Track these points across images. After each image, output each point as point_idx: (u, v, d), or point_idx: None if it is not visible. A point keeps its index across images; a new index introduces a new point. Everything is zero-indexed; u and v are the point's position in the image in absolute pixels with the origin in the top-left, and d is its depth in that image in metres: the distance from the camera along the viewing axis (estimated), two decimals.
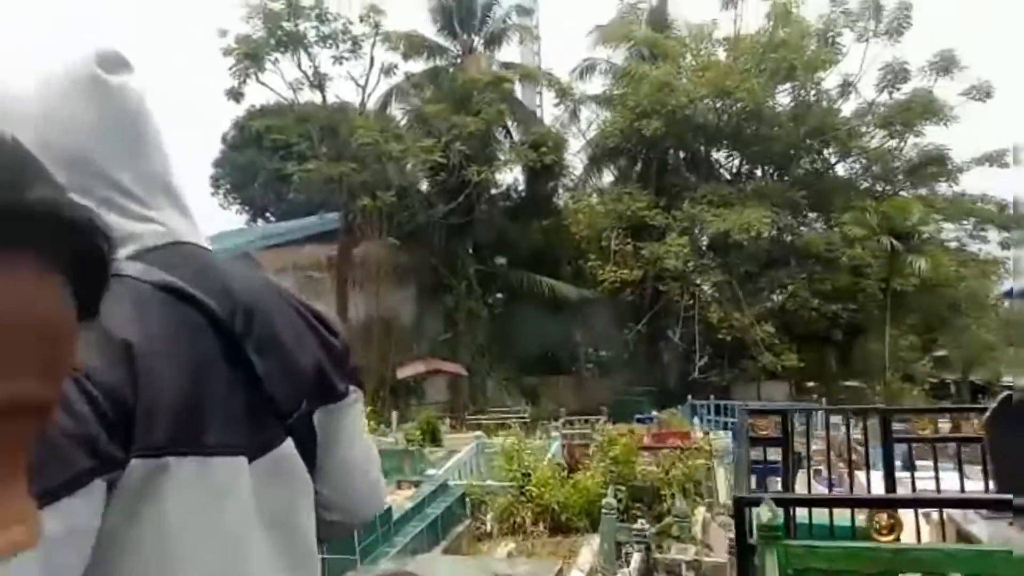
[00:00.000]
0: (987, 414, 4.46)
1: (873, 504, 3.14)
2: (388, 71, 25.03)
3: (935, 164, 26.08)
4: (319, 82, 23.86)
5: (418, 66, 27.40)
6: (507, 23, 28.49)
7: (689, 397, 21.51)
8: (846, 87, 26.44)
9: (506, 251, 26.90)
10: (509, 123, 27.17)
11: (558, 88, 27.88)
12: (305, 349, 0.91)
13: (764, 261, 24.67)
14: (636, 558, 5.91)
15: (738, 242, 23.06)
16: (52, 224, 0.36)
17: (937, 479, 4.57)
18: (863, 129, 26.47)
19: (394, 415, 18.10)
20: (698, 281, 24.39)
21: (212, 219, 32.12)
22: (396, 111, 27.53)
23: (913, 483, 4.69)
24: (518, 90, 27.72)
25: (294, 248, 23.43)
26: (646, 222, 24.97)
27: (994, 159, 25.48)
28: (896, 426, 5.56)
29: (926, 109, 24.70)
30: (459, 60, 27.64)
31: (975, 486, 4.94)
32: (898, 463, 5.47)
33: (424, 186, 26.18)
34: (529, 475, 8.71)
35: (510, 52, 29.33)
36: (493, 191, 27.02)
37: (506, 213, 27.49)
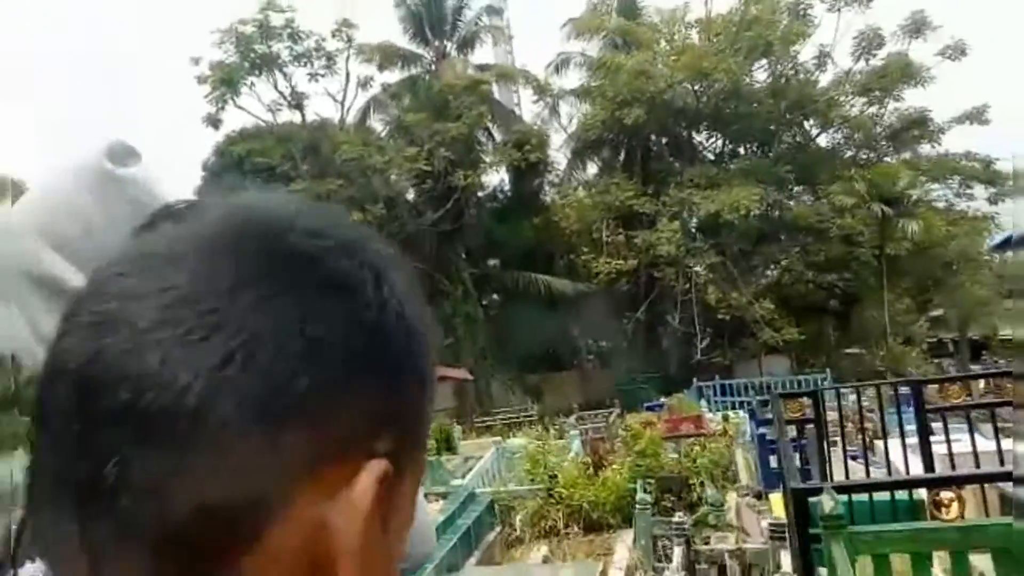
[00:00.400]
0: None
1: (935, 484, 3.15)
2: (365, 84, 25.04)
3: (916, 127, 26.27)
4: (297, 101, 23.81)
5: (394, 76, 27.42)
6: (478, 25, 28.49)
7: (694, 380, 21.56)
8: (822, 58, 26.54)
9: (498, 252, 26.90)
10: (490, 125, 27.18)
11: (535, 85, 27.89)
12: None
13: (756, 238, 24.78)
14: (677, 552, 5.91)
15: (729, 222, 23.14)
16: None
17: (974, 447, 4.53)
18: (842, 98, 26.61)
19: None
20: (692, 264, 24.46)
21: None
22: (376, 123, 27.52)
23: (951, 453, 4.65)
24: (495, 91, 27.70)
25: None
26: (635, 210, 25.03)
27: (974, 117, 25.75)
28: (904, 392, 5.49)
29: (903, 73, 24.86)
30: (434, 66, 27.61)
31: (1000, 446, 4.91)
32: (912, 428, 5.41)
33: (411, 195, 26.16)
34: (556, 476, 8.70)
35: (484, 54, 29.39)
36: (480, 194, 27.03)
37: (495, 215, 27.49)
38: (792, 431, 5.03)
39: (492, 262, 27.11)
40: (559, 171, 29.34)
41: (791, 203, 26.16)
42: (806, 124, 27.70)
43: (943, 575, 3.55)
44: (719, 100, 26.01)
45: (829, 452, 5.20)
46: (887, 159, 26.79)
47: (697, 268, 24.57)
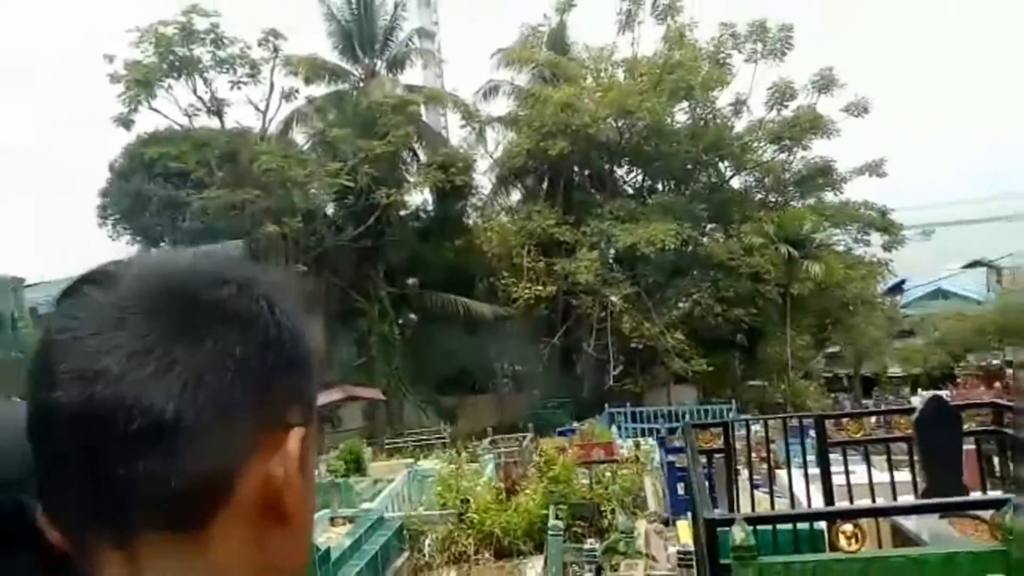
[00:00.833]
0: (915, 414, 4.79)
1: (845, 516, 3.30)
2: (289, 95, 24.49)
3: (822, 175, 27.88)
4: (216, 107, 23.06)
5: (320, 90, 26.96)
6: (409, 47, 28.45)
7: (606, 406, 21.95)
8: (738, 105, 27.89)
9: (418, 272, 26.68)
10: (416, 145, 27.09)
11: (464, 110, 28.01)
12: None
13: (670, 272, 25.54)
14: None
15: (645, 255, 23.78)
16: None
17: (871, 479, 4.82)
18: (755, 144, 27.97)
19: None
20: (609, 293, 24.94)
21: (102, 251, 30.27)
22: (298, 135, 26.96)
23: (848, 484, 4.92)
24: (424, 112, 27.67)
25: None
26: (556, 238, 25.43)
27: (872, 169, 27.63)
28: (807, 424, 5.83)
29: (811, 124, 26.36)
30: (362, 84, 27.36)
31: (894, 478, 5.23)
32: (811, 459, 5.70)
33: (331, 210, 25.68)
34: (468, 501, 8.62)
35: (414, 75, 29.33)
36: (403, 213, 26.79)
37: (417, 234, 27.32)
38: (703, 460, 5.19)
39: (411, 281, 26.85)
40: (483, 195, 29.50)
41: (704, 240, 27.13)
42: (721, 166, 28.94)
43: None
44: (641, 137, 26.85)
45: (737, 482, 5.39)
46: (794, 203, 28.27)
47: (613, 297, 25.07)
